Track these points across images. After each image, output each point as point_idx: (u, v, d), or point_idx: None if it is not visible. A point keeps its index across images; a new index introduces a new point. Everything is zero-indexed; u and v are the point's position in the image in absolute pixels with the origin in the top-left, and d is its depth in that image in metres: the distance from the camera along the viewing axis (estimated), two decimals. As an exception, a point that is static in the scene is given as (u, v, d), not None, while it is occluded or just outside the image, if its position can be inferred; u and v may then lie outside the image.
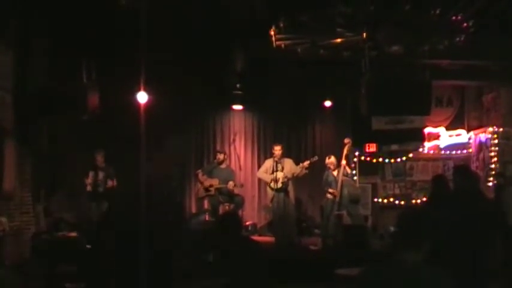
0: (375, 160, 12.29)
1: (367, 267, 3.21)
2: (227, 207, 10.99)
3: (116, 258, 6.71)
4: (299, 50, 9.31)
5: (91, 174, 10.28)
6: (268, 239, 10.98)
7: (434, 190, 6.74)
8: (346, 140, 10.38)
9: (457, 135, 12.48)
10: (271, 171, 10.44)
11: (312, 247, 10.22)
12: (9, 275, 6.17)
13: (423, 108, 9.06)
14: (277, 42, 8.92)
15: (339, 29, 8.54)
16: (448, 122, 12.77)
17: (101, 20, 8.76)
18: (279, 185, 10.33)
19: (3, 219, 7.90)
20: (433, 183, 6.84)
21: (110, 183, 10.24)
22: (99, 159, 10.35)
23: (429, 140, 12.26)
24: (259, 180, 12.02)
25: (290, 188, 10.48)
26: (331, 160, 10.42)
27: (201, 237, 8.72)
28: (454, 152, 12.42)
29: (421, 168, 12.56)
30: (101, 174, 10.28)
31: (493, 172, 11.31)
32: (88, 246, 8.38)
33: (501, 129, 11.50)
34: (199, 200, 11.94)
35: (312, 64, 10.30)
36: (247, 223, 11.86)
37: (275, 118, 13.05)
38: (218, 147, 12.61)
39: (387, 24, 8.36)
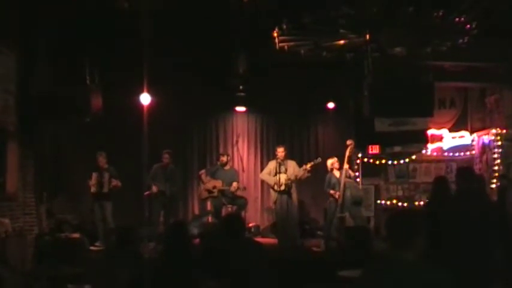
0: (377, 162, 12.24)
1: (366, 267, 3.22)
2: (230, 209, 11.00)
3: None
4: (302, 51, 9.29)
5: (95, 175, 10.27)
6: (271, 240, 10.97)
7: (435, 191, 6.74)
8: (349, 142, 10.33)
9: (460, 137, 12.43)
10: (274, 173, 10.42)
11: (315, 249, 10.19)
12: (12, 275, 6.18)
13: (426, 110, 9.04)
14: (280, 44, 8.91)
15: (341, 31, 8.51)
16: (451, 124, 12.73)
17: (104, 22, 8.78)
18: (282, 187, 10.31)
19: (6, 221, 7.91)
20: (434, 184, 6.84)
21: (114, 182, 10.24)
22: (102, 160, 10.35)
23: (432, 142, 12.23)
24: (262, 182, 12.03)
25: (293, 190, 10.46)
26: (333, 162, 10.40)
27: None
28: (457, 154, 12.37)
29: (424, 170, 12.52)
30: (105, 175, 10.27)
31: (496, 174, 11.27)
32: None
33: (504, 131, 11.44)
34: (202, 202, 11.95)
35: (315, 66, 10.31)
36: (250, 225, 11.85)
37: (278, 120, 13.07)
38: (221, 149, 12.63)
39: (390, 25, 8.34)
